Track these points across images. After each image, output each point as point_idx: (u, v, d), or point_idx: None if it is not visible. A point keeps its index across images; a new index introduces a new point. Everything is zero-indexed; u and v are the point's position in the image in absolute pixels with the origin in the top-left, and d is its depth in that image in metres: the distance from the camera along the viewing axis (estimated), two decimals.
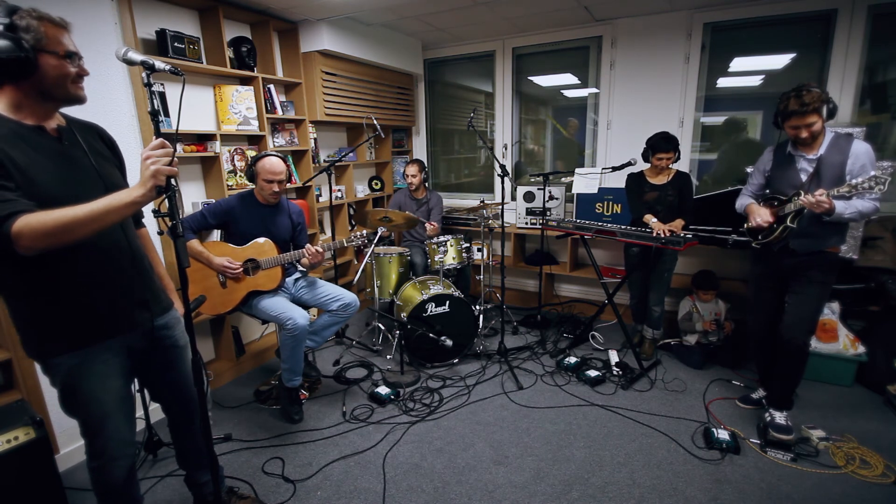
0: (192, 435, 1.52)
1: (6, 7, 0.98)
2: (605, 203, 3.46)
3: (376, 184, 4.09)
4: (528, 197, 3.72)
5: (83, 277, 1.13)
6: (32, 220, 0.93)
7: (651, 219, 2.63)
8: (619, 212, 3.40)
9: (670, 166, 2.70)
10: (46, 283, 1.09)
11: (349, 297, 2.40)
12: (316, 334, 2.39)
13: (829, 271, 1.98)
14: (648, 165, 2.76)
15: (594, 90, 3.61)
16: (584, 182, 3.39)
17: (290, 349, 2.21)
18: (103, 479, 1.26)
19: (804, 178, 1.93)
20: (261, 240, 2.27)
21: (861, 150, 1.83)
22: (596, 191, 3.37)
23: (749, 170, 2.23)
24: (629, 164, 2.91)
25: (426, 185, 3.58)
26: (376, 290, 3.14)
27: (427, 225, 3.31)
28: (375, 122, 3.28)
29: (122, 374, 1.25)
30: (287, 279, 2.46)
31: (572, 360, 2.80)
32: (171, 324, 1.38)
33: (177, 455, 1.60)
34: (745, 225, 2.17)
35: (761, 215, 2.00)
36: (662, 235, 2.44)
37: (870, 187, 1.69)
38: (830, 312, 2.60)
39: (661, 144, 2.61)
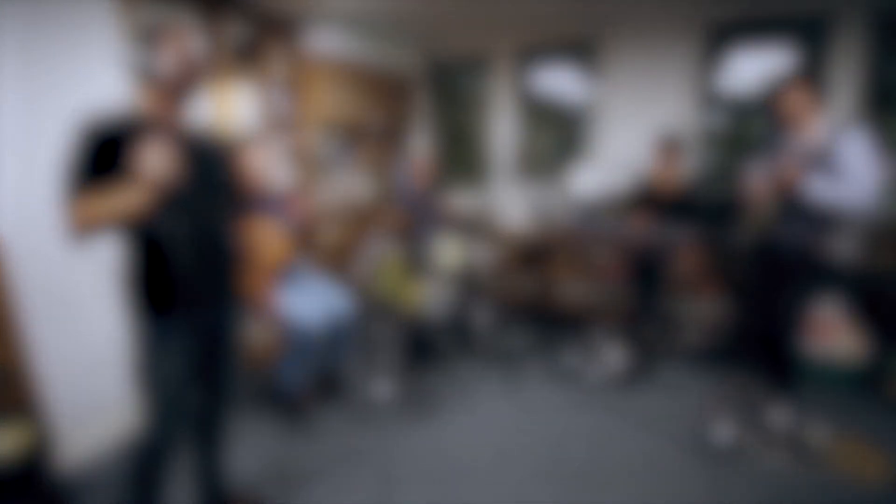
0: (206, 418, 1.55)
1: None
2: (606, 203, 3.45)
3: (377, 183, 4.09)
4: (529, 197, 3.72)
5: (150, 257, 1.26)
6: (69, 206, 1.11)
7: (637, 218, 2.67)
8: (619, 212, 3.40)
9: (678, 168, 2.70)
10: (130, 254, 1.27)
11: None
12: None
13: (820, 268, 1.94)
14: (653, 167, 2.77)
15: (595, 90, 3.61)
16: (585, 182, 3.39)
17: (289, 352, 2.21)
18: (138, 459, 1.35)
19: (791, 164, 1.85)
20: None
21: (854, 138, 1.76)
22: (597, 191, 3.37)
23: (750, 162, 2.17)
24: (631, 166, 2.92)
25: (431, 179, 3.54)
26: (376, 289, 3.14)
27: (442, 216, 3.33)
28: (375, 122, 3.28)
29: (176, 363, 1.33)
30: None
31: (573, 360, 2.80)
32: (224, 317, 1.46)
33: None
34: (741, 223, 2.15)
35: (756, 182, 1.90)
36: (649, 229, 2.47)
37: (855, 173, 1.66)
38: (832, 312, 2.60)
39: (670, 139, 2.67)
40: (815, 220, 1.84)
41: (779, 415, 2.05)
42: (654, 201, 2.74)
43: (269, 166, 2.30)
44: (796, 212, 1.83)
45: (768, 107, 1.95)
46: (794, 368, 2.08)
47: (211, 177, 1.38)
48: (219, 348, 1.47)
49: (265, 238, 2.22)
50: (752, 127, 3.26)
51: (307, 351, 2.18)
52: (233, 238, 1.48)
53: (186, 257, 1.27)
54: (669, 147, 2.74)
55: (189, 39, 1.26)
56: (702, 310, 2.86)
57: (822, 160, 1.79)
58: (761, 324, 2.10)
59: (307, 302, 2.24)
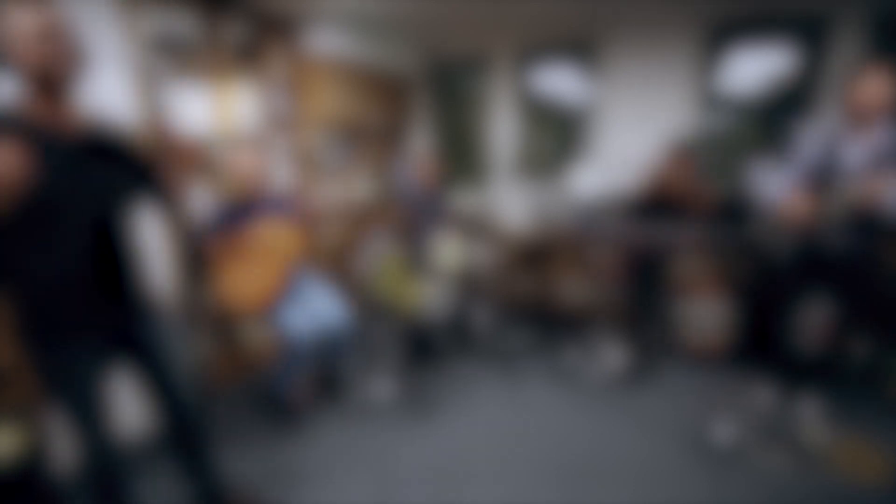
0: (187, 447, 1.52)
1: None
2: (606, 203, 3.45)
3: (377, 183, 4.09)
4: (529, 197, 3.71)
5: (40, 267, 1.09)
6: None
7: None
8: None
9: (692, 175, 2.68)
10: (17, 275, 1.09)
11: None
12: None
13: (871, 276, 1.84)
14: (665, 174, 2.75)
15: (595, 90, 3.61)
16: (585, 182, 3.40)
17: (282, 360, 2.20)
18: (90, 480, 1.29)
19: (848, 167, 1.66)
20: None
21: None
22: (597, 191, 3.38)
23: (759, 161, 2.07)
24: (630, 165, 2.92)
25: (435, 178, 3.51)
26: (376, 289, 3.14)
27: (444, 215, 3.31)
28: (375, 122, 3.28)
29: (87, 380, 1.23)
30: None
31: (573, 360, 2.80)
32: (144, 328, 1.35)
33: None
34: (769, 227, 2.06)
35: (797, 204, 1.65)
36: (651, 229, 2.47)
37: None
38: (833, 312, 2.59)
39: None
40: (875, 227, 1.69)
41: (782, 414, 2.05)
42: (664, 206, 2.73)
43: (263, 168, 2.28)
44: (863, 223, 1.66)
45: (843, 101, 1.68)
46: (823, 371, 2.04)
47: (103, 174, 1.19)
48: (151, 361, 1.37)
49: (274, 240, 2.22)
50: (751, 127, 3.26)
51: (298, 360, 2.16)
52: (133, 239, 1.31)
53: (70, 268, 1.10)
54: (684, 155, 2.72)
55: (51, 13, 1.02)
56: (703, 311, 2.85)
57: (885, 163, 1.60)
58: (773, 324, 2.07)
59: (300, 312, 2.20)
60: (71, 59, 1.06)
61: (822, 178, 1.73)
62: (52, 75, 1.03)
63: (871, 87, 1.61)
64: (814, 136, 1.82)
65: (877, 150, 1.63)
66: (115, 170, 1.22)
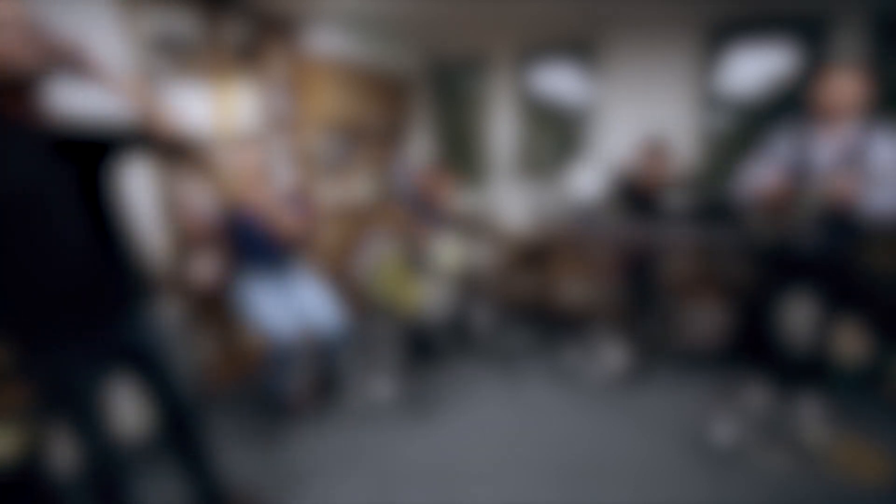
0: (186, 448, 1.52)
1: None
2: (605, 203, 3.45)
3: (377, 183, 4.09)
4: (529, 197, 3.72)
5: (33, 270, 1.04)
6: None
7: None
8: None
9: (665, 168, 2.70)
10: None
11: None
12: None
13: (853, 280, 1.88)
14: (640, 166, 2.76)
15: (595, 90, 3.62)
16: (584, 181, 3.40)
17: (268, 362, 2.18)
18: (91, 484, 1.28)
19: (819, 164, 1.70)
20: None
21: (886, 139, 1.65)
22: (596, 190, 3.38)
23: (756, 157, 2.07)
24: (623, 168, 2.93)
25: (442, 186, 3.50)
26: (376, 289, 3.14)
27: (444, 216, 3.31)
28: (375, 122, 3.28)
29: (86, 389, 1.22)
30: None
31: (573, 360, 2.80)
32: (137, 327, 1.32)
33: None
34: (750, 224, 2.12)
35: (772, 192, 1.72)
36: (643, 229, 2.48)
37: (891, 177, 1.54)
38: (815, 310, 2.58)
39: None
40: (853, 229, 1.72)
41: (780, 414, 2.05)
42: (637, 199, 2.75)
43: (264, 168, 2.25)
44: (839, 222, 1.69)
45: (807, 95, 1.76)
46: (814, 369, 2.05)
47: (87, 170, 1.15)
48: (150, 362, 1.36)
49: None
50: (751, 127, 3.26)
51: (285, 359, 2.14)
52: (124, 236, 1.25)
53: (65, 269, 1.07)
54: (655, 148, 2.74)
55: (17, 5, 0.96)
56: (698, 310, 2.85)
57: (855, 162, 1.66)
58: (766, 327, 2.09)
59: (284, 311, 2.17)
60: (41, 54, 0.98)
61: (795, 173, 1.79)
62: (17, 69, 0.96)
63: (836, 87, 1.69)
64: (784, 133, 1.90)
65: (843, 150, 1.69)
66: (88, 150, 1.15)
